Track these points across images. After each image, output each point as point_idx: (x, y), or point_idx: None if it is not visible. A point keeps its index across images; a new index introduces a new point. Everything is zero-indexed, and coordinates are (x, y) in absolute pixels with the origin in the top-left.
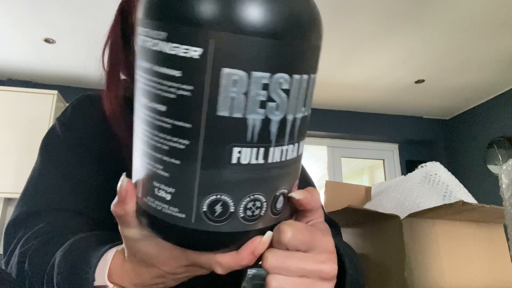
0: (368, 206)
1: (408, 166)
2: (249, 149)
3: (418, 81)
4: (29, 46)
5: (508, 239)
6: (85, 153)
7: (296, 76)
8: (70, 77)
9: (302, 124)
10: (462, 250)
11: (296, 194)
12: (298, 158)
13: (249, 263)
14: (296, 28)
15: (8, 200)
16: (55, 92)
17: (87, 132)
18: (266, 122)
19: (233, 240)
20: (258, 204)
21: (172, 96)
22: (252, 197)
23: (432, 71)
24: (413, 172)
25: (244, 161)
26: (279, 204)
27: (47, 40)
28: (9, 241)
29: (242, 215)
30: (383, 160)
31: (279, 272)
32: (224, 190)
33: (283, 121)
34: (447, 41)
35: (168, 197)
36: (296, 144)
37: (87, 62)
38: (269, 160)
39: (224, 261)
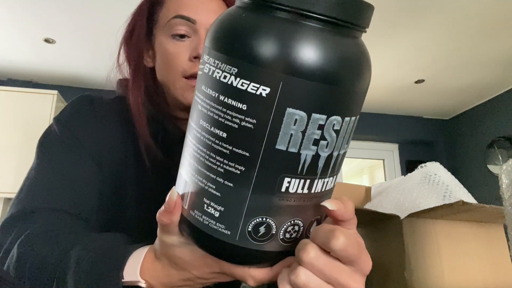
0: (368, 206)
1: (408, 166)
2: (297, 180)
3: (418, 81)
4: (29, 46)
5: (508, 239)
6: (83, 154)
7: (347, 119)
8: (70, 77)
9: (342, 159)
10: (462, 250)
11: (330, 205)
12: (333, 188)
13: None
14: (354, 77)
15: (8, 200)
16: (55, 92)
17: (85, 133)
18: (316, 157)
19: (270, 258)
20: (296, 228)
21: (235, 126)
22: (292, 222)
23: (432, 71)
24: (413, 172)
25: (291, 190)
26: (313, 228)
27: (47, 40)
28: (3, 240)
29: (281, 237)
30: (383, 160)
31: (312, 270)
32: (270, 214)
33: (329, 157)
34: (447, 41)
35: (217, 214)
36: (335, 176)
37: (87, 62)
38: (313, 191)
39: (258, 275)
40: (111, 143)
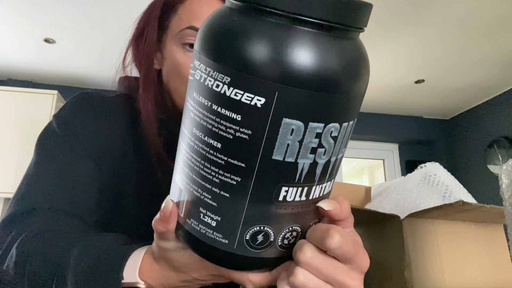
0: (368, 207)
1: (408, 166)
2: (295, 188)
3: (418, 81)
4: (29, 46)
5: (508, 239)
6: (82, 153)
7: (345, 124)
8: (70, 77)
9: (339, 162)
10: (462, 250)
11: (325, 205)
12: (331, 191)
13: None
14: (352, 83)
15: (8, 200)
16: (55, 92)
17: (85, 131)
18: (313, 165)
19: (268, 264)
20: (294, 234)
21: (229, 136)
22: (291, 228)
23: (432, 71)
24: (413, 173)
25: (289, 198)
26: None
27: (47, 40)
28: (1, 239)
29: (280, 243)
30: (383, 160)
31: (309, 269)
32: (268, 222)
33: (327, 163)
34: (447, 41)
35: (214, 223)
36: (333, 180)
37: (87, 62)
38: (310, 197)
39: (256, 280)
40: (110, 142)
